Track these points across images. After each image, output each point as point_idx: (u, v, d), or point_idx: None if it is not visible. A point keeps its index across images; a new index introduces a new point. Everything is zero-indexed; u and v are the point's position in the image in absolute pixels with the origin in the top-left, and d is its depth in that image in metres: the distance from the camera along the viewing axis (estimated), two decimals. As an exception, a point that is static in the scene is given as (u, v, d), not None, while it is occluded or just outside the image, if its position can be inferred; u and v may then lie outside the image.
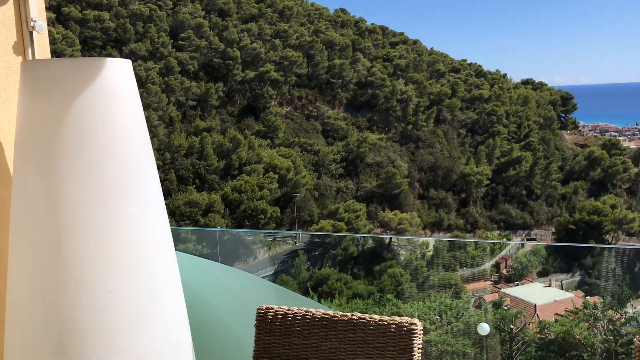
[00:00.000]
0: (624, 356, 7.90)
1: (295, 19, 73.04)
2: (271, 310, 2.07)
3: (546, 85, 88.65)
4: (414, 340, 1.91)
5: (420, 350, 1.93)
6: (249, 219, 46.78)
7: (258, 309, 2.09)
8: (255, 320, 2.10)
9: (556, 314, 11.33)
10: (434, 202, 61.66)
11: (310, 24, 73.28)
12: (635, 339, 1.88)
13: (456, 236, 57.09)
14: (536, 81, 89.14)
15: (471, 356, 8.57)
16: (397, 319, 1.94)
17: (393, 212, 52.93)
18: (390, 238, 52.45)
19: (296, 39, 67.03)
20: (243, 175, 49.54)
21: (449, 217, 61.04)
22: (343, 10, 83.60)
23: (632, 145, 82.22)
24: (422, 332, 1.94)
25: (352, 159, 59.94)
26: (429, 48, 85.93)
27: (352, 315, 2.00)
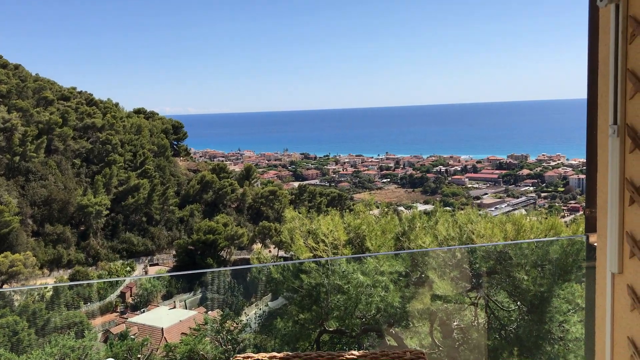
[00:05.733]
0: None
1: None
2: None
3: (158, 114, 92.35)
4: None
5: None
6: None
7: None
8: None
9: (182, 333, 11.99)
10: (51, 238, 57.73)
11: None
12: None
13: (77, 271, 54.33)
14: (148, 110, 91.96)
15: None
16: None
17: (3, 255, 47.75)
18: (2, 284, 46.72)
19: None
20: None
21: (69, 252, 58.06)
22: None
23: (237, 169, 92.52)
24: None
25: (-57, 198, 51.32)
26: (34, 74, 79.92)
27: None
